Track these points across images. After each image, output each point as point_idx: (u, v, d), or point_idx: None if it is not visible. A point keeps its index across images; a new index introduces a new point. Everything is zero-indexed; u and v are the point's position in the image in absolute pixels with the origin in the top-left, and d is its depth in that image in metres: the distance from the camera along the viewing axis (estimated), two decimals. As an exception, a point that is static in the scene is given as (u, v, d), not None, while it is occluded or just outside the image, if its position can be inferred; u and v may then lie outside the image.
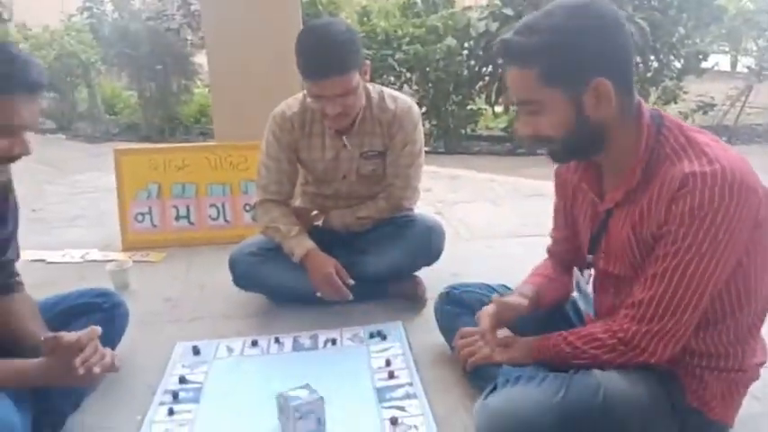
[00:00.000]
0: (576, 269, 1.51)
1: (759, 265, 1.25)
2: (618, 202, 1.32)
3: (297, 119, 2.13)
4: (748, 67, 6.64)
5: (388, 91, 2.19)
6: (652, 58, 5.39)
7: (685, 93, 6.04)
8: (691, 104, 5.89)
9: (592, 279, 1.46)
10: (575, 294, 1.57)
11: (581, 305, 1.52)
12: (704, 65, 6.19)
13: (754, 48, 6.84)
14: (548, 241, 2.71)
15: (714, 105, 6.13)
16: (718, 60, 6.96)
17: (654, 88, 5.74)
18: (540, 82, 1.22)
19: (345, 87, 1.92)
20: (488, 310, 1.53)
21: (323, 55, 1.88)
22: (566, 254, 1.60)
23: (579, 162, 1.43)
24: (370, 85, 2.13)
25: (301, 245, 2.09)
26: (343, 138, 2.12)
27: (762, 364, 1.36)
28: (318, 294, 2.08)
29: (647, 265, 1.26)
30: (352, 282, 2.06)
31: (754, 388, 1.45)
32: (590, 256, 1.44)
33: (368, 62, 2.05)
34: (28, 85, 1.37)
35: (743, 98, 6.34)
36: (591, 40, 1.20)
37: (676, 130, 1.26)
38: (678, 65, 5.88)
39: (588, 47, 1.20)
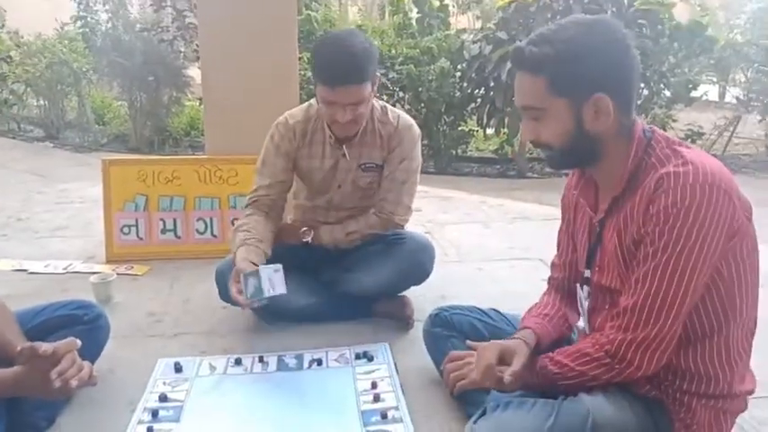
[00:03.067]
0: (577, 285, 1.49)
1: (741, 280, 1.25)
2: (607, 212, 1.35)
3: (299, 127, 2.15)
4: (737, 98, 6.74)
5: (390, 107, 2.22)
6: (642, 85, 5.44)
7: (674, 121, 6.12)
8: (679, 133, 5.95)
9: (589, 297, 1.45)
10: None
11: (581, 323, 1.50)
12: (693, 94, 6.26)
13: (743, 78, 6.95)
14: (536, 265, 2.74)
15: (702, 134, 6.21)
16: (708, 90, 7.06)
17: (643, 116, 5.80)
18: (548, 91, 1.27)
19: (361, 96, 1.95)
20: (491, 349, 1.44)
21: (344, 63, 1.91)
22: (568, 282, 1.57)
23: (579, 179, 1.46)
24: (374, 99, 2.16)
25: (239, 253, 1.95)
26: (343, 147, 2.13)
27: (750, 392, 1.36)
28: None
29: (631, 272, 1.28)
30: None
31: (741, 419, 1.44)
32: (587, 270, 1.43)
33: (378, 74, 2.07)
34: None
35: (731, 128, 6.43)
36: (600, 56, 1.24)
37: (664, 142, 1.30)
38: (668, 93, 5.94)
39: (596, 63, 1.24)
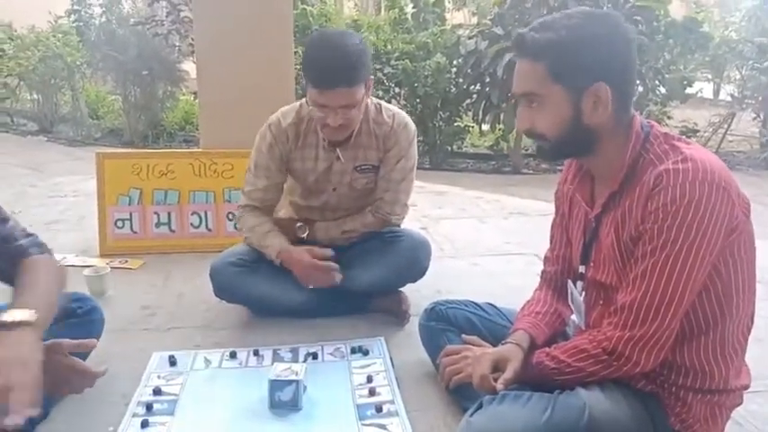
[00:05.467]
0: (569, 281, 1.50)
1: (739, 277, 1.25)
2: (604, 207, 1.34)
3: (292, 129, 2.11)
4: (731, 95, 6.76)
5: (385, 105, 2.18)
6: (638, 82, 5.46)
7: (669, 118, 6.14)
8: (674, 130, 5.97)
9: (584, 293, 1.45)
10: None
11: (575, 318, 1.50)
12: (688, 91, 6.29)
13: (737, 76, 6.98)
14: (531, 260, 2.75)
15: (697, 131, 6.23)
16: (702, 87, 7.09)
17: (638, 112, 5.81)
18: (548, 77, 1.26)
19: (351, 99, 1.91)
20: (486, 359, 1.44)
21: (335, 65, 1.86)
22: (561, 275, 1.57)
23: (575, 174, 1.45)
24: (367, 99, 2.11)
25: (272, 246, 2.09)
26: (337, 150, 2.10)
27: (745, 387, 1.36)
28: (310, 287, 2.09)
29: (629, 269, 1.28)
30: (331, 252, 2.08)
31: (737, 413, 1.44)
32: (582, 266, 1.43)
33: (372, 77, 2.03)
34: None
35: (725, 125, 6.45)
36: (601, 46, 1.24)
37: (662, 137, 1.30)
38: (663, 90, 5.96)
39: (597, 52, 1.23)
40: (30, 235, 1.49)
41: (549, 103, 1.28)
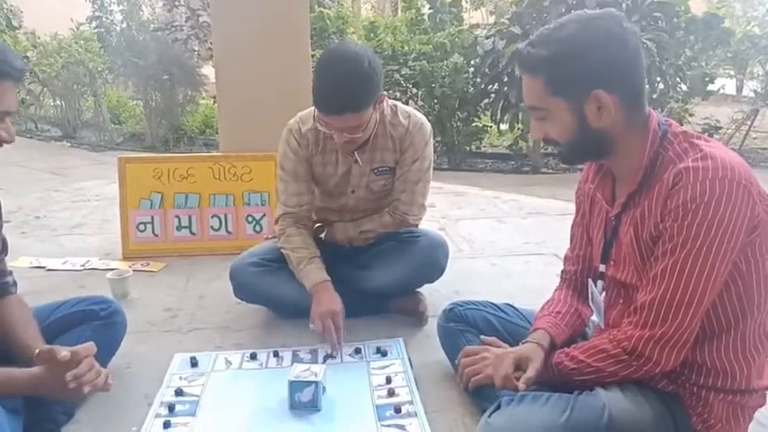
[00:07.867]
0: (590, 280, 1.49)
1: (761, 275, 1.24)
2: (623, 206, 1.34)
3: (311, 135, 2.11)
4: (755, 91, 6.66)
5: (401, 106, 2.18)
6: (658, 79, 5.39)
7: (691, 115, 6.06)
8: (696, 127, 5.90)
9: (604, 292, 1.44)
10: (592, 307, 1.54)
11: (594, 317, 1.50)
12: (710, 88, 6.20)
13: (761, 72, 6.86)
14: (551, 260, 2.73)
15: (719, 128, 6.14)
16: (725, 83, 6.98)
17: (659, 110, 5.75)
18: (546, 91, 1.27)
19: (357, 122, 1.90)
20: (508, 358, 1.45)
21: (339, 93, 1.84)
22: (581, 275, 1.56)
23: (596, 173, 1.45)
24: (378, 113, 2.06)
25: (310, 277, 2.05)
26: (355, 153, 2.10)
27: (768, 387, 1.34)
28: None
29: (649, 268, 1.27)
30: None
31: (760, 414, 1.42)
32: (602, 265, 1.43)
33: (384, 94, 2.01)
34: (15, 71, 1.40)
35: (748, 122, 6.35)
36: (595, 53, 1.23)
37: (681, 136, 1.28)
38: (684, 87, 5.88)
39: (591, 60, 1.23)
40: (10, 272, 1.64)
41: (553, 115, 1.29)
